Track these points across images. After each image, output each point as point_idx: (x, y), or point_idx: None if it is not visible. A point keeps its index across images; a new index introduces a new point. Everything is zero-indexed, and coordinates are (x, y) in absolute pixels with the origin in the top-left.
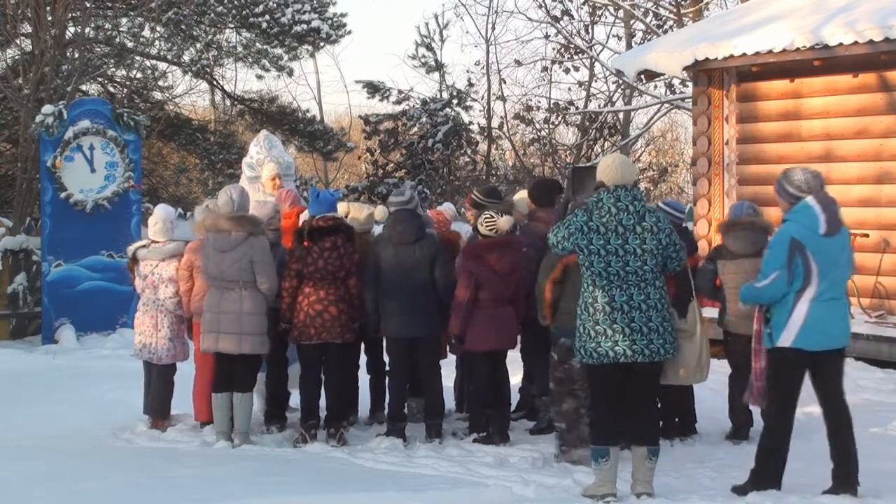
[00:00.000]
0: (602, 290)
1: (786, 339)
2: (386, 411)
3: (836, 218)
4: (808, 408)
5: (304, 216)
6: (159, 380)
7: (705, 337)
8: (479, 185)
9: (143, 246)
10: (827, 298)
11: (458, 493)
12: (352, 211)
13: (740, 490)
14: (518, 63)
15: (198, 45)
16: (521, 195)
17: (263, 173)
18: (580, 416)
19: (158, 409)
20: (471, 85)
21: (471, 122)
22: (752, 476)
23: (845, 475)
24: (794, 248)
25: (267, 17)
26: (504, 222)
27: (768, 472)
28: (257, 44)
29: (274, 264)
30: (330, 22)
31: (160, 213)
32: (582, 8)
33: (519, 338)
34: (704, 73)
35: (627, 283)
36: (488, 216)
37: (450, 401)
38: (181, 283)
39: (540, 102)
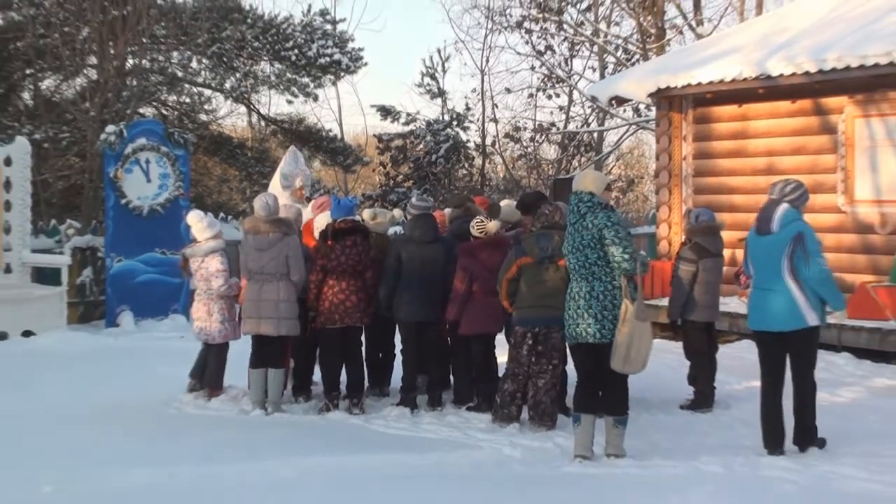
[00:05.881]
0: (571, 282)
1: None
2: (400, 384)
3: (763, 220)
4: (756, 382)
5: (321, 220)
6: (213, 357)
7: (640, 334)
8: (475, 193)
9: (189, 247)
10: (761, 287)
11: (456, 454)
12: (378, 216)
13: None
14: (508, 90)
15: (237, 75)
16: (506, 202)
17: (296, 183)
18: (514, 399)
19: (213, 381)
20: (468, 109)
21: (468, 141)
22: (763, 438)
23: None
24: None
25: (296, 51)
26: (492, 226)
27: (767, 436)
28: (287, 73)
29: (303, 259)
30: (349, 55)
31: (191, 218)
32: (562, 44)
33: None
34: (666, 99)
35: (579, 276)
36: (479, 220)
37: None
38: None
39: (526, 124)
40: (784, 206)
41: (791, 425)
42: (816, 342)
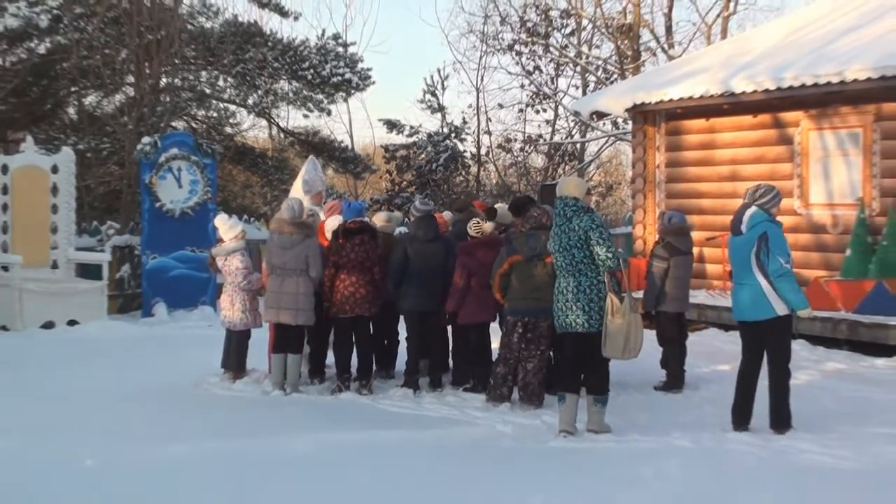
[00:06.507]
0: (558, 278)
1: None
2: (404, 368)
3: (735, 222)
4: (722, 366)
5: (332, 221)
6: (236, 343)
7: (636, 324)
8: (472, 198)
9: (215, 247)
10: (736, 282)
11: (455, 431)
12: (392, 219)
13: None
14: (500, 106)
15: (259, 92)
16: (500, 206)
17: (313, 189)
18: (505, 381)
19: (235, 365)
20: (465, 122)
21: (465, 151)
22: (731, 415)
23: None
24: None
25: (311, 70)
26: (487, 227)
27: (735, 414)
28: (304, 91)
29: (321, 257)
30: (359, 74)
31: (218, 221)
32: (549, 65)
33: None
34: (641, 114)
35: (566, 273)
36: (476, 222)
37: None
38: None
39: (517, 136)
40: (752, 209)
41: (761, 407)
42: (787, 331)
